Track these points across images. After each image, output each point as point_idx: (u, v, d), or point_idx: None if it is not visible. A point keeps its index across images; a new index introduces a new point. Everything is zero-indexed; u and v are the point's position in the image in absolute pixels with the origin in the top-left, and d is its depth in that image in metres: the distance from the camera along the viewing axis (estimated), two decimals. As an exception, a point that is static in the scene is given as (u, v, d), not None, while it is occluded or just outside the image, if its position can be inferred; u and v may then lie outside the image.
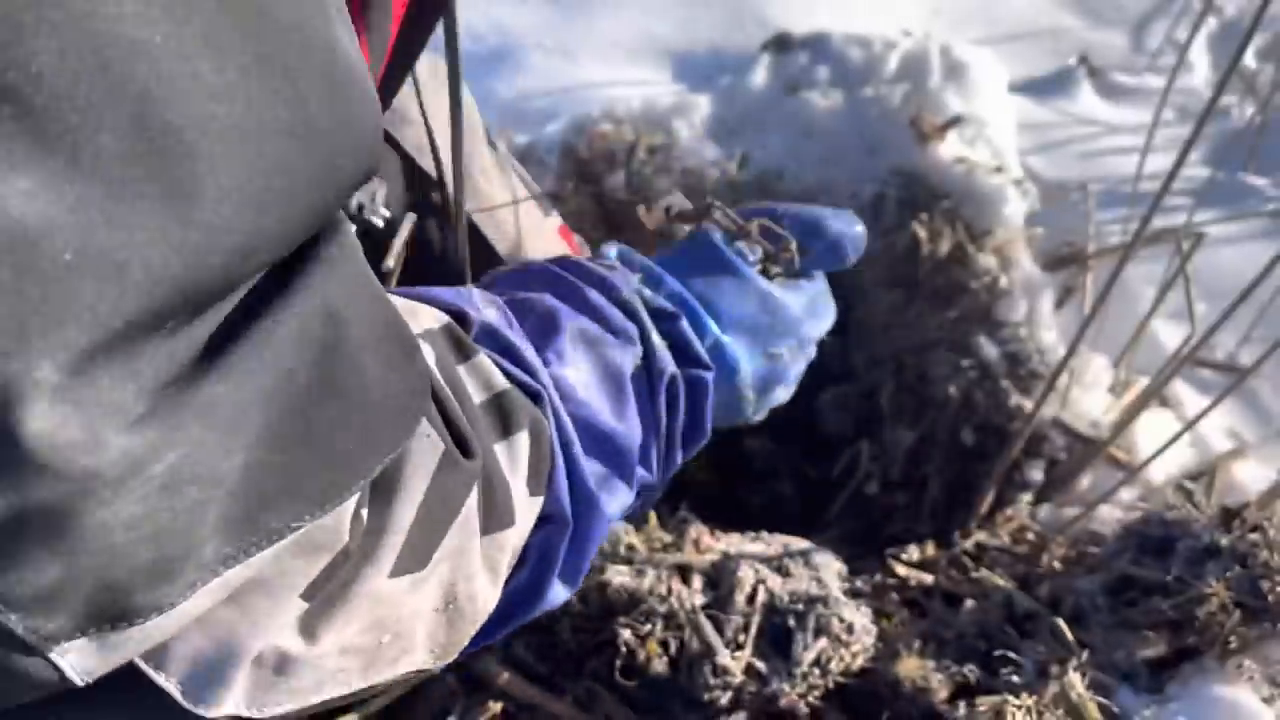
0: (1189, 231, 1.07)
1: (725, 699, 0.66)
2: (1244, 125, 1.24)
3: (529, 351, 0.49)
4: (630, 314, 0.55)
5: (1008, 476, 0.94)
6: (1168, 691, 0.68)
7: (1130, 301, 1.09)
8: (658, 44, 1.43)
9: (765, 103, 1.26)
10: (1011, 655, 0.69)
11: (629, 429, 0.51)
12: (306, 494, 0.32)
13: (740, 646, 0.69)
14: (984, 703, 0.64)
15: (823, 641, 0.69)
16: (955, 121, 1.17)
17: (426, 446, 0.38)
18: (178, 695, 0.33)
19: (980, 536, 0.88)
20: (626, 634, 0.68)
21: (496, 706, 0.67)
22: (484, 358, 0.45)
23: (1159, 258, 1.12)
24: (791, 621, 0.70)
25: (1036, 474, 0.94)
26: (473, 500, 0.41)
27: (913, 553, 0.87)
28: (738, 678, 0.67)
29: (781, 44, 1.33)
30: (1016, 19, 1.46)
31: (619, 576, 0.72)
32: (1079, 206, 1.18)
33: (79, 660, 0.29)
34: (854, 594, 0.78)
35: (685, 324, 0.56)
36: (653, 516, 0.91)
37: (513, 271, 0.57)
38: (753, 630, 0.69)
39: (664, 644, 0.69)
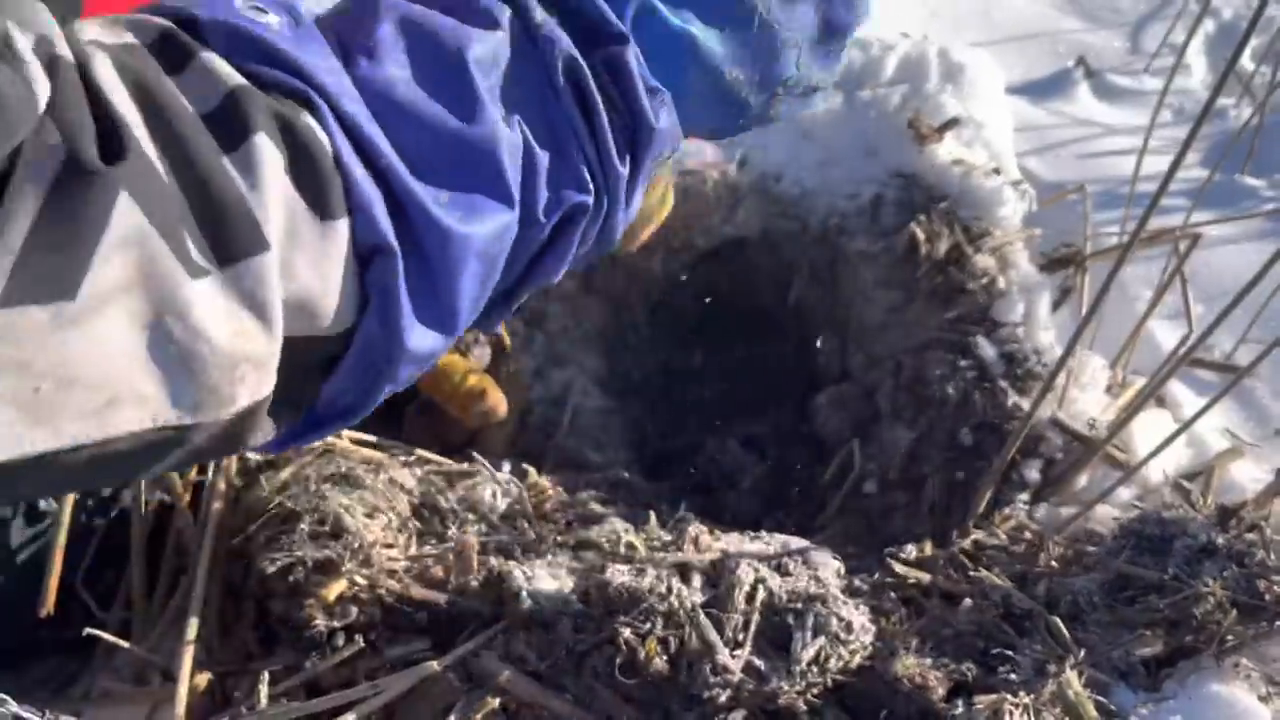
0: (1186, 232, 1.07)
1: (724, 697, 0.67)
2: (1241, 127, 1.24)
3: (306, 54, 0.41)
4: None
5: (1005, 476, 0.94)
6: (1164, 690, 0.68)
7: (1127, 302, 1.10)
8: (657, 46, 1.43)
9: (764, 104, 1.27)
10: (1009, 654, 0.70)
11: (488, 130, 0.43)
12: None
13: (739, 645, 0.69)
14: (982, 701, 0.64)
15: (821, 640, 0.69)
16: (953, 123, 1.17)
17: (39, 156, 0.33)
18: None
19: (978, 535, 0.88)
20: (627, 633, 0.69)
21: (496, 703, 0.67)
22: (208, 60, 0.39)
23: (1156, 258, 1.12)
24: (790, 620, 0.71)
25: (1034, 473, 0.94)
26: (129, 218, 0.35)
27: (911, 552, 0.87)
28: (737, 676, 0.67)
29: (780, 46, 1.33)
30: (1014, 21, 1.46)
31: (619, 576, 0.72)
32: (1076, 207, 1.19)
33: None
34: (852, 593, 0.78)
35: None
36: (652, 516, 0.92)
37: None
38: (752, 629, 0.70)
39: (664, 642, 0.69)
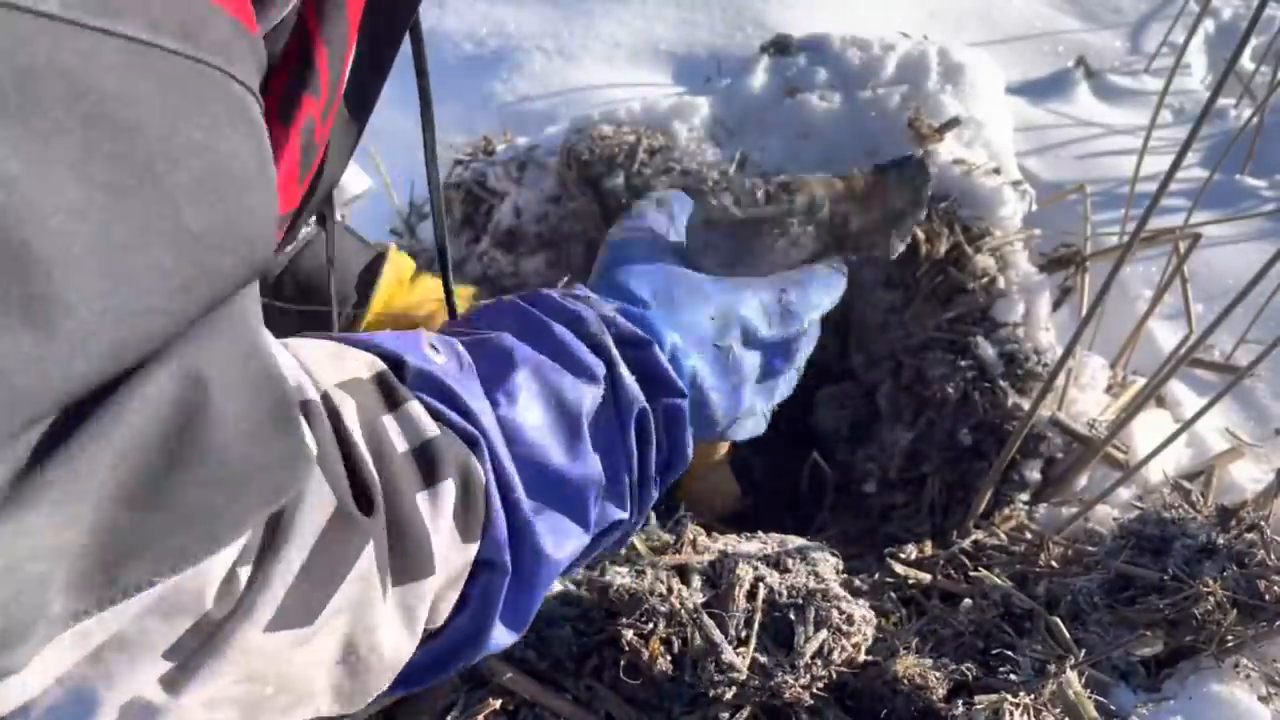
0: (1186, 232, 1.07)
1: (729, 695, 0.67)
2: (1241, 127, 1.24)
3: (471, 397, 0.48)
4: (597, 348, 0.54)
5: (1005, 476, 0.94)
6: (1165, 690, 0.68)
7: (1127, 302, 1.10)
8: (658, 46, 1.43)
9: (764, 105, 1.27)
10: (1009, 654, 0.70)
11: (585, 469, 0.51)
12: (161, 553, 0.33)
13: (744, 642, 0.69)
14: (982, 701, 0.64)
15: (824, 633, 0.69)
16: (953, 123, 1.17)
17: (314, 505, 0.38)
18: None
19: (978, 536, 0.88)
20: (629, 634, 0.69)
21: (497, 703, 0.67)
22: (415, 406, 0.45)
23: (1156, 258, 1.12)
24: (792, 615, 0.71)
25: (1034, 473, 0.94)
26: (369, 555, 0.41)
27: (910, 552, 0.87)
28: (743, 674, 0.67)
29: (780, 46, 1.33)
30: (1014, 21, 1.46)
31: (619, 578, 0.72)
32: (1076, 207, 1.19)
33: None
34: (852, 592, 0.78)
35: (658, 350, 0.56)
36: (653, 517, 0.92)
37: (486, 307, 0.58)
38: (755, 625, 0.70)
39: (666, 642, 0.69)
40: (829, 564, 0.78)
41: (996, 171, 1.15)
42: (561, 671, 0.70)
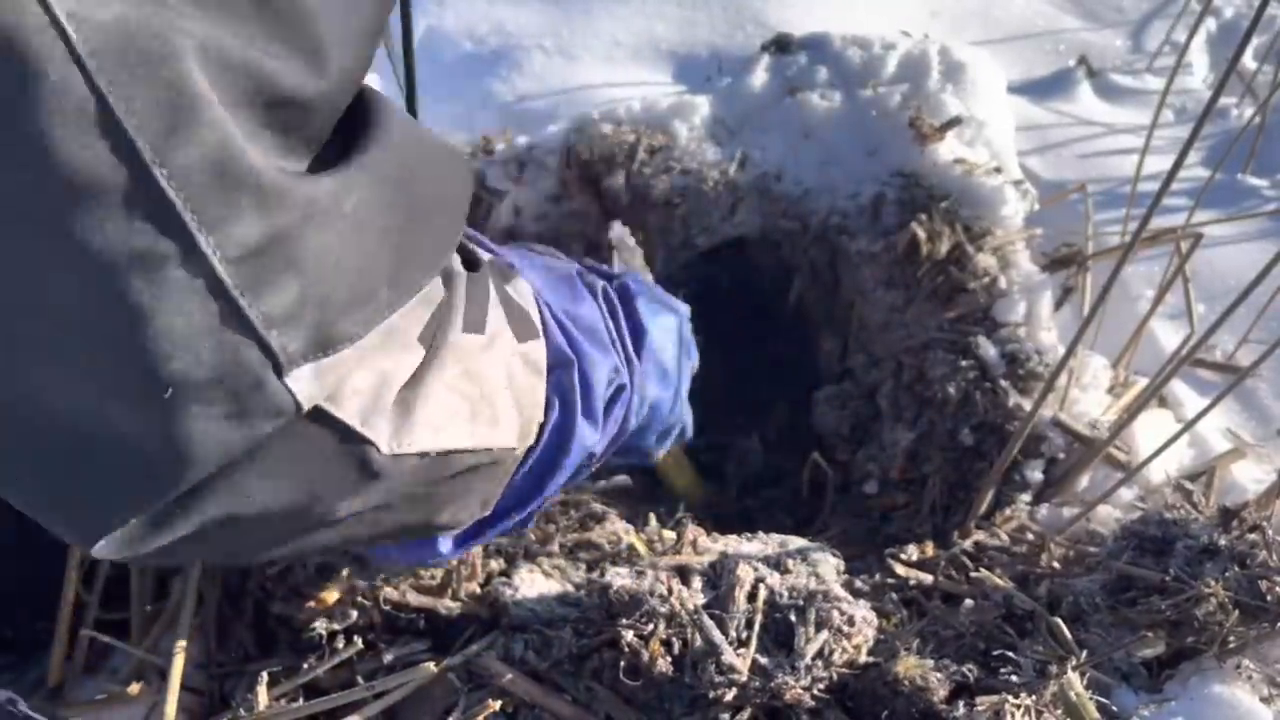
0: (1188, 232, 1.07)
1: (730, 696, 0.66)
2: (1243, 126, 1.24)
3: (523, 269, 0.66)
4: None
5: (1006, 476, 0.94)
6: (1166, 691, 0.68)
7: (1129, 302, 1.09)
8: (658, 45, 1.43)
9: (765, 104, 1.27)
10: (1010, 655, 0.69)
11: (590, 311, 0.66)
12: (427, 260, 0.47)
13: (744, 643, 0.69)
14: (983, 702, 0.64)
15: (824, 634, 0.69)
16: (954, 122, 1.17)
17: (458, 259, 0.56)
18: (356, 424, 0.43)
19: (979, 536, 0.88)
20: (629, 635, 0.68)
21: (497, 704, 0.67)
22: (519, 285, 0.62)
23: (1158, 258, 1.12)
24: (793, 616, 0.70)
25: (1035, 474, 0.94)
26: (494, 296, 0.56)
27: (912, 553, 0.87)
28: (744, 675, 0.67)
29: (781, 45, 1.33)
30: (1015, 20, 1.46)
31: (619, 579, 0.72)
32: (1078, 207, 1.18)
33: (303, 386, 0.39)
34: (854, 593, 0.78)
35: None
36: (652, 518, 0.92)
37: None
38: (755, 627, 0.70)
39: (666, 644, 0.69)
40: (830, 565, 0.78)
41: (998, 171, 1.15)
42: (561, 672, 0.70)
